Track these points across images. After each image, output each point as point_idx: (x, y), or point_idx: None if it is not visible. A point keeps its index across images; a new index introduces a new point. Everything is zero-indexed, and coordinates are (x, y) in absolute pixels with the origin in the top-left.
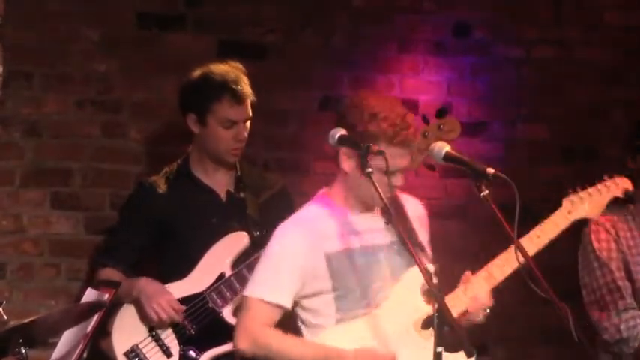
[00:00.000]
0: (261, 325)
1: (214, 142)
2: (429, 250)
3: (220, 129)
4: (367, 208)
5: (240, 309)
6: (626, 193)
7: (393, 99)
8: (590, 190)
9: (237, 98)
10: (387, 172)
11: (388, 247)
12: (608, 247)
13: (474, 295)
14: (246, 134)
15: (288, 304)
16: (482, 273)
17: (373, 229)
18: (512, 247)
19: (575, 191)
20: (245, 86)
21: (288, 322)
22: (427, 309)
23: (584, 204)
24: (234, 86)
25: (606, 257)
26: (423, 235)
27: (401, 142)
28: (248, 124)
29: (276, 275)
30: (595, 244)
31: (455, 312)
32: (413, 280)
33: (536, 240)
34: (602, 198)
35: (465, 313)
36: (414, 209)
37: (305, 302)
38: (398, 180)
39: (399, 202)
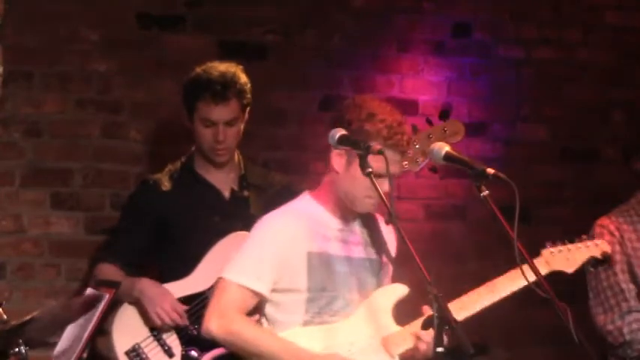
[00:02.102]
0: (236, 311)
1: (198, 140)
2: (391, 267)
3: (201, 127)
4: (348, 214)
5: (216, 290)
6: (604, 255)
7: (393, 106)
8: (570, 246)
9: (217, 99)
10: (388, 173)
11: (363, 262)
12: (612, 250)
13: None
14: (223, 137)
15: (267, 293)
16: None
17: (353, 241)
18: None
19: (555, 244)
20: (231, 87)
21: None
22: (395, 329)
23: (563, 258)
24: (215, 86)
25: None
26: (391, 254)
27: (394, 145)
28: (236, 126)
29: (258, 262)
30: None
31: (402, 348)
32: (384, 299)
33: (509, 282)
34: (581, 256)
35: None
36: (387, 229)
37: (275, 296)
38: (384, 185)
39: (374, 216)
